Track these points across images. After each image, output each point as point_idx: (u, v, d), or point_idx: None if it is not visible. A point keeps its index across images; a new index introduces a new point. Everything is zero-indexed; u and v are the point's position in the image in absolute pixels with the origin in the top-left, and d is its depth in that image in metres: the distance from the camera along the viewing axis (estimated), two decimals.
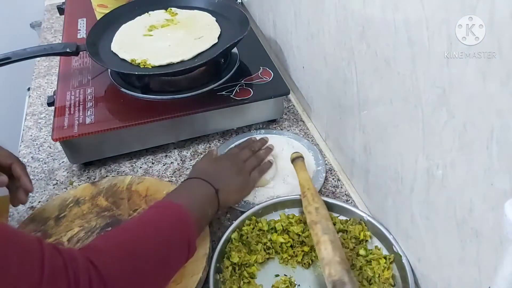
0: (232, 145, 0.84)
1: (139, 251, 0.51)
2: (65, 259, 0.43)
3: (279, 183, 0.76)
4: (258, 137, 0.85)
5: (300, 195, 0.69)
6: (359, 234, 0.66)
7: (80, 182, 0.80)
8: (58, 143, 0.82)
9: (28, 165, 0.83)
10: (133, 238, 0.52)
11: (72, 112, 0.80)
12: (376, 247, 0.65)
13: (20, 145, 0.88)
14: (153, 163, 0.83)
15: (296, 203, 0.71)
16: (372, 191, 0.69)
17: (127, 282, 0.48)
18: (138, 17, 0.96)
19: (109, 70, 0.88)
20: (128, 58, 0.83)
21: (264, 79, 0.87)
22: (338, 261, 0.56)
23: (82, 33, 1.06)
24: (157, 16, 0.96)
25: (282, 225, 0.67)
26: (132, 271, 0.49)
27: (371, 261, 0.63)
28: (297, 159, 0.74)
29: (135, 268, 0.49)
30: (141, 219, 0.56)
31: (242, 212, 0.70)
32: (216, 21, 0.93)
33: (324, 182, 0.77)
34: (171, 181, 0.79)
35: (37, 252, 0.41)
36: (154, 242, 0.53)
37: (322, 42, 0.75)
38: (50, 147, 0.87)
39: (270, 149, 0.79)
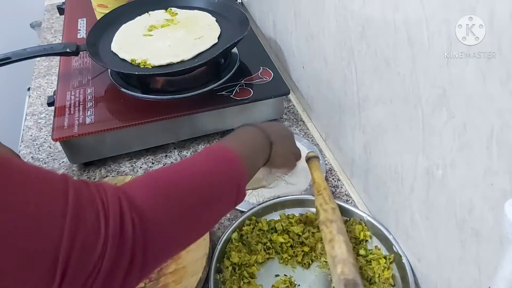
0: None
1: (182, 188, 0.46)
2: (92, 190, 0.39)
3: (279, 183, 0.76)
4: None
5: (301, 195, 0.69)
6: (359, 234, 0.66)
7: None
8: (58, 143, 0.82)
9: None
10: (176, 175, 0.48)
11: (72, 112, 0.80)
12: (376, 247, 0.65)
13: (20, 145, 0.88)
14: (153, 163, 0.83)
15: (296, 203, 0.71)
16: (372, 191, 0.69)
17: (167, 216, 0.44)
18: (138, 17, 0.96)
19: (109, 70, 0.88)
20: (128, 58, 0.83)
21: (264, 79, 0.87)
22: (352, 263, 0.56)
23: (82, 33, 1.06)
24: (157, 16, 0.96)
25: (282, 225, 0.67)
26: (173, 206, 0.44)
27: (371, 261, 0.63)
28: (312, 158, 0.73)
29: (176, 204, 0.45)
30: (190, 159, 0.53)
31: (242, 212, 0.70)
32: (216, 21, 0.93)
33: None
34: None
35: (60, 183, 0.37)
36: (200, 180, 0.49)
37: (322, 42, 0.75)
38: (50, 147, 0.87)
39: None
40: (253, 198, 0.73)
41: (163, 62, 0.81)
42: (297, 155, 0.70)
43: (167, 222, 0.44)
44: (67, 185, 0.37)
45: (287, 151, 0.67)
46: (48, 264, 0.33)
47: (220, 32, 0.89)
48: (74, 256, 0.34)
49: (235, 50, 0.92)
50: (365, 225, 0.67)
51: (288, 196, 0.72)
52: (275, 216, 0.70)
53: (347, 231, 0.66)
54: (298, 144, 0.83)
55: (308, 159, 0.73)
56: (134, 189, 0.43)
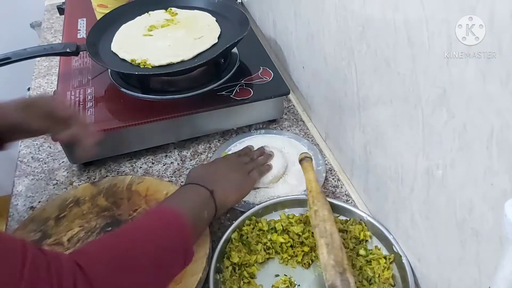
0: (231, 145, 0.84)
1: (129, 255, 0.49)
2: (49, 260, 0.41)
3: (279, 183, 0.76)
4: (258, 136, 0.86)
5: (301, 195, 0.69)
6: (359, 234, 0.66)
7: (80, 182, 0.80)
8: (58, 143, 0.81)
9: (28, 165, 0.83)
10: (123, 242, 0.50)
11: None
12: (376, 247, 0.65)
13: (20, 145, 0.88)
14: (153, 163, 0.83)
15: (296, 203, 0.71)
16: (372, 191, 0.69)
17: (115, 285, 0.46)
18: (138, 17, 0.96)
19: (109, 70, 0.88)
20: (128, 58, 0.83)
21: (264, 79, 0.87)
22: (332, 265, 0.56)
23: (82, 33, 1.06)
24: (157, 16, 0.96)
25: (282, 225, 0.67)
26: (120, 274, 0.47)
27: (371, 261, 0.63)
28: (304, 160, 0.73)
29: (124, 272, 0.47)
30: (133, 224, 0.55)
31: (242, 212, 0.70)
32: (216, 21, 0.93)
33: (324, 182, 0.77)
34: (171, 181, 0.79)
35: (19, 251, 0.39)
36: (145, 246, 0.51)
37: (322, 42, 0.75)
38: (50, 147, 0.87)
39: (269, 155, 0.78)
40: (253, 198, 0.73)
41: (163, 62, 0.81)
42: (243, 177, 0.70)
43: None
44: (24, 253, 0.39)
45: (231, 186, 0.67)
46: None
47: (220, 32, 0.90)
48: None
49: (235, 50, 0.92)
50: (365, 225, 0.67)
51: (288, 196, 0.72)
52: (275, 216, 0.70)
53: (346, 231, 0.67)
54: (298, 144, 0.83)
55: (300, 161, 0.73)
56: (87, 259, 0.45)
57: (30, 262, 0.39)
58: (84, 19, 1.12)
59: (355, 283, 0.55)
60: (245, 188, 0.70)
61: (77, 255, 0.46)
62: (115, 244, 0.50)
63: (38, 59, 1.10)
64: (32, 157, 0.85)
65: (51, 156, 0.85)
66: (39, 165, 0.83)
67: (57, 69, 0.93)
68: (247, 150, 0.79)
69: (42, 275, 0.40)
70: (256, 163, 0.74)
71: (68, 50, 0.86)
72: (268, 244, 0.66)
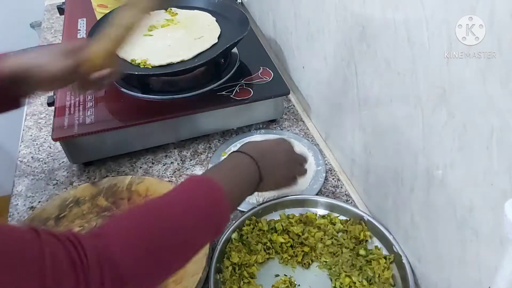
0: (231, 145, 0.84)
1: (162, 235, 0.45)
2: (69, 251, 0.38)
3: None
4: (258, 136, 0.85)
5: (301, 195, 0.69)
6: (359, 234, 0.66)
7: (80, 182, 0.80)
8: (58, 143, 0.82)
9: (28, 165, 0.83)
10: (157, 219, 0.46)
11: (72, 112, 0.80)
12: (376, 247, 0.65)
13: (20, 145, 0.88)
14: (153, 163, 0.83)
15: (296, 203, 0.71)
16: (372, 191, 0.69)
17: (146, 270, 0.44)
18: None
19: None
20: (128, 58, 0.83)
21: (264, 79, 0.87)
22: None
23: (82, 33, 1.06)
24: (157, 16, 0.96)
25: (282, 225, 0.67)
26: (152, 258, 0.44)
27: (371, 261, 0.63)
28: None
29: (156, 254, 0.44)
30: (171, 195, 0.51)
31: (242, 212, 0.70)
32: (216, 21, 0.93)
33: (324, 182, 0.77)
34: (171, 181, 0.79)
35: (34, 243, 0.36)
36: (181, 222, 0.47)
37: (322, 42, 0.75)
38: (50, 147, 0.87)
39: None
40: (253, 198, 0.73)
41: (163, 62, 0.81)
42: (294, 176, 0.66)
43: (145, 276, 0.44)
44: (42, 254, 0.36)
45: (277, 180, 0.63)
46: None
47: (220, 32, 0.89)
48: None
49: (235, 50, 0.92)
50: (365, 225, 0.67)
51: (288, 196, 0.72)
52: (275, 216, 0.70)
53: (346, 231, 0.67)
54: (298, 144, 0.83)
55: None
56: (115, 242, 0.42)
57: (50, 260, 0.36)
58: (84, 19, 1.12)
59: None
60: (283, 187, 0.66)
61: (101, 240, 0.41)
62: (144, 222, 0.46)
63: None
64: (32, 157, 0.85)
65: (51, 156, 0.85)
66: (39, 165, 0.83)
67: None
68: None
69: (65, 271, 0.36)
70: (303, 172, 0.69)
71: None
72: (268, 244, 0.66)
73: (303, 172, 0.69)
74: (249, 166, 0.58)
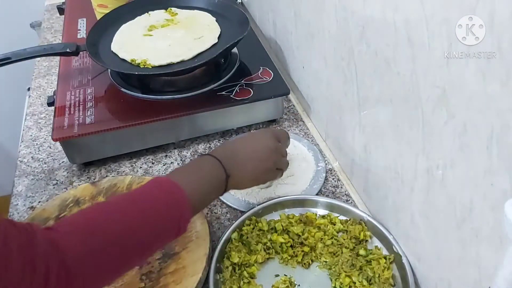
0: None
1: (118, 234, 0.46)
2: (20, 232, 0.39)
3: (279, 183, 0.76)
4: None
5: (301, 195, 0.68)
6: (359, 234, 0.66)
7: (80, 182, 0.80)
8: (58, 143, 0.82)
9: (28, 165, 0.83)
10: (115, 221, 0.47)
11: (72, 112, 0.80)
12: (376, 247, 0.65)
13: (20, 145, 0.88)
14: (153, 163, 0.83)
15: (296, 203, 0.71)
16: (372, 191, 0.69)
17: (99, 269, 0.44)
18: (138, 17, 0.96)
19: (109, 70, 0.88)
20: (128, 58, 0.83)
21: (264, 79, 0.87)
22: None
23: (82, 33, 1.06)
24: (157, 16, 0.96)
25: (282, 225, 0.67)
26: (106, 258, 0.45)
27: (371, 261, 0.63)
28: None
29: (111, 254, 0.45)
30: (131, 196, 0.51)
31: (242, 212, 0.70)
32: (216, 21, 0.93)
33: (324, 182, 0.77)
34: None
35: None
36: (139, 223, 0.47)
37: (322, 42, 0.75)
38: (50, 147, 0.87)
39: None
40: (253, 198, 0.73)
41: (163, 62, 0.81)
42: (272, 167, 0.65)
43: (93, 270, 0.44)
44: None
45: (253, 175, 0.62)
46: None
47: (220, 32, 0.90)
48: None
49: (235, 50, 0.92)
50: (365, 225, 0.67)
51: (288, 196, 0.72)
52: (275, 216, 0.70)
53: (346, 231, 0.67)
54: (298, 144, 0.83)
55: None
56: (66, 238, 0.42)
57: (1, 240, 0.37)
58: (84, 19, 1.12)
59: None
60: (263, 180, 0.66)
61: (52, 232, 0.43)
62: (96, 218, 0.46)
63: (38, 59, 1.10)
64: (32, 157, 0.85)
65: (51, 156, 0.85)
66: (39, 165, 0.83)
67: (57, 69, 0.93)
68: (287, 140, 0.70)
69: (12, 248, 0.37)
70: (286, 164, 0.68)
71: (68, 50, 0.86)
72: (268, 244, 0.66)
73: (285, 164, 0.68)
74: (212, 166, 0.58)
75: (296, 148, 0.82)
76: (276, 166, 0.66)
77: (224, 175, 0.58)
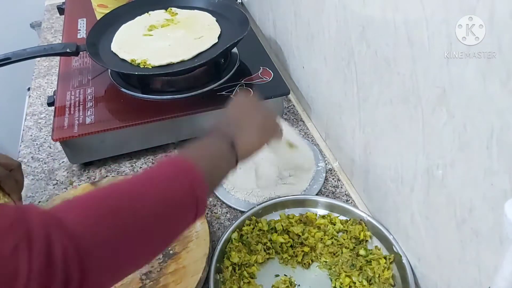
0: None
1: (129, 207, 0.40)
2: (10, 217, 0.33)
3: (279, 183, 0.76)
4: None
5: (301, 195, 0.69)
6: (359, 234, 0.66)
7: (80, 182, 0.80)
8: (58, 143, 0.82)
9: (28, 165, 0.83)
10: (122, 193, 0.42)
11: (72, 112, 0.80)
12: (376, 247, 0.65)
13: (20, 145, 0.88)
14: (153, 163, 0.83)
15: (296, 203, 0.71)
16: (372, 191, 0.69)
17: (111, 241, 0.38)
18: (138, 17, 0.96)
19: (109, 70, 0.88)
20: (128, 58, 0.83)
21: (264, 79, 0.87)
22: None
23: (82, 33, 1.06)
24: (157, 16, 0.96)
25: (282, 225, 0.67)
26: (118, 228, 0.39)
27: (371, 261, 0.63)
28: None
29: (122, 226, 0.39)
30: (135, 175, 0.46)
31: (242, 212, 0.70)
32: (216, 21, 0.93)
33: (324, 182, 0.77)
34: None
35: None
36: (153, 197, 0.43)
37: (322, 42, 0.75)
38: (50, 147, 0.87)
39: None
40: (253, 198, 0.73)
41: (163, 62, 0.81)
42: (269, 124, 0.61)
43: (110, 250, 0.38)
44: None
45: (254, 135, 0.58)
46: None
47: (220, 32, 0.89)
48: None
49: (235, 50, 0.92)
50: (365, 225, 0.67)
51: (288, 196, 0.72)
52: (275, 216, 0.70)
53: (346, 231, 0.67)
54: (297, 144, 0.83)
55: None
56: (68, 211, 0.37)
57: None
58: (84, 19, 1.12)
59: None
60: (269, 134, 0.61)
61: (50, 213, 0.36)
62: (108, 196, 0.41)
63: (38, 59, 1.10)
64: (32, 157, 0.85)
65: (51, 156, 0.85)
66: (39, 165, 0.83)
67: (57, 69, 0.93)
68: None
69: (4, 223, 0.32)
70: (273, 114, 0.64)
71: (68, 50, 0.86)
72: (268, 244, 0.66)
73: (273, 113, 0.64)
74: (214, 138, 0.55)
75: (296, 148, 0.82)
76: (272, 116, 0.63)
77: (229, 144, 0.54)
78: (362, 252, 0.64)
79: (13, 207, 0.35)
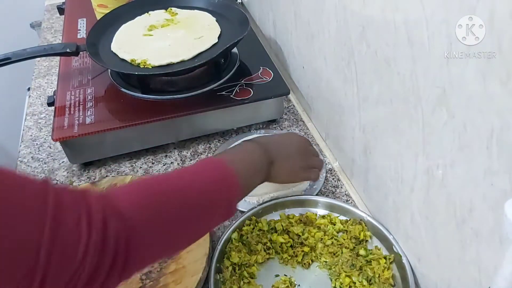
0: (231, 145, 0.84)
1: (171, 199, 0.46)
2: (75, 196, 0.38)
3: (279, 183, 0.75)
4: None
5: (301, 195, 0.69)
6: (359, 234, 0.66)
7: (80, 182, 0.80)
8: (58, 143, 0.82)
9: (28, 165, 0.83)
10: (166, 185, 0.47)
11: (72, 112, 0.80)
12: (376, 247, 0.65)
13: (20, 145, 0.88)
14: (153, 163, 0.83)
15: (296, 203, 0.71)
16: (372, 191, 0.69)
17: (153, 227, 0.43)
18: (138, 17, 0.96)
19: (109, 70, 0.88)
20: (128, 58, 0.83)
21: (264, 79, 0.87)
22: None
23: (82, 33, 1.06)
24: (157, 16, 0.96)
25: (282, 225, 0.67)
26: (159, 216, 0.44)
27: (371, 261, 0.63)
28: None
29: (163, 215, 0.45)
30: (183, 170, 0.52)
31: (242, 212, 0.70)
32: (216, 21, 0.93)
33: (324, 182, 0.77)
34: None
35: (40, 186, 0.37)
36: (192, 193, 0.48)
37: (322, 42, 0.75)
38: (50, 147, 0.87)
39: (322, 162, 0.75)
40: (253, 198, 0.73)
41: (163, 62, 0.81)
42: (309, 167, 0.67)
43: (152, 233, 0.44)
44: (46, 188, 0.37)
45: (291, 169, 0.64)
46: (27, 267, 0.34)
47: (220, 32, 0.89)
48: (53, 260, 0.34)
49: (235, 50, 0.92)
50: (365, 225, 0.67)
51: (288, 196, 0.72)
52: (275, 216, 0.70)
53: (346, 231, 0.67)
54: None
55: None
56: (121, 196, 0.43)
57: (53, 199, 0.36)
58: (84, 19, 1.12)
59: None
60: (300, 176, 0.67)
61: (107, 197, 0.42)
62: (157, 186, 0.46)
63: (38, 59, 1.10)
64: (32, 157, 0.85)
65: (51, 156, 0.85)
66: (39, 165, 0.83)
67: (57, 69, 0.93)
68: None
69: (67, 211, 0.37)
70: (319, 163, 0.71)
71: (68, 50, 0.86)
72: (268, 244, 0.66)
73: (319, 162, 0.70)
74: (259, 152, 0.59)
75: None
76: (310, 163, 0.68)
77: (268, 160, 0.59)
78: (362, 252, 0.64)
79: (76, 188, 0.40)
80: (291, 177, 0.66)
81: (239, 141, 0.64)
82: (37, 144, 0.88)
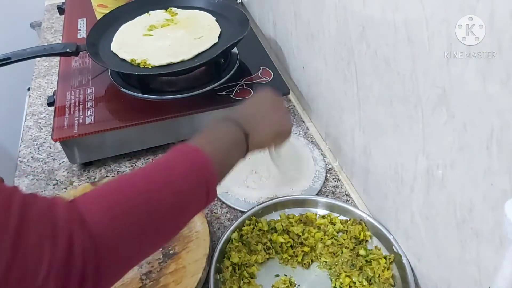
0: None
1: (143, 200, 0.43)
2: (42, 207, 0.36)
3: (279, 184, 0.75)
4: None
5: (301, 195, 0.69)
6: (359, 234, 0.66)
7: (80, 182, 0.80)
8: (58, 143, 0.81)
9: (28, 165, 0.83)
10: (136, 185, 0.44)
11: (72, 112, 0.80)
12: (376, 247, 0.65)
13: (20, 145, 0.88)
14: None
15: (296, 203, 0.71)
16: (372, 191, 0.69)
17: (124, 235, 0.41)
18: (138, 17, 0.96)
19: (109, 70, 0.88)
20: (128, 58, 0.83)
21: (264, 79, 0.87)
22: None
23: (82, 33, 1.06)
24: (157, 16, 0.96)
25: (282, 225, 0.67)
26: (132, 222, 0.41)
27: (371, 261, 0.63)
28: None
29: (136, 219, 0.42)
30: (152, 164, 0.48)
31: (242, 212, 0.70)
32: (216, 21, 0.93)
33: (324, 182, 0.77)
34: None
35: (3, 200, 0.34)
36: (165, 189, 0.45)
37: (322, 42, 0.75)
38: (50, 147, 0.87)
39: None
40: (253, 198, 0.73)
41: (163, 62, 0.81)
42: (284, 119, 0.64)
43: (124, 241, 0.41)
44: (12, 199, 0.34)
45: (267, 134, 0.60)
46: None
47: (220, 32, 0.89)
48: (11, 278, 0.32)
49: (235, 50, 0.92)
50: (365, 225, 0.67)
51: (288, 196, 0.72)
52: (275, 216, 0.70)
53: (346, 231, 0.67)
54: (297, 143, 0.83)
55: None
56: (88, 205, 0.40)
57: (17, 212, 0.34)
58: (84, 19, 1.12)
59: None
60: (282, 132, 0.63)
61: (72, 203, 0.39)
62: (127, 188, 0.43)
63: (38, 59, 1.10)
64: (32, 157, 0.85)
65: (51, 156, 0.85)
66: (39, 165, 0.83)
67: (57, 69, 0.93)
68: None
69: (31, 225, 0.34)
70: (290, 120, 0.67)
71: (68, 50, 0.86)
72: (268, 244, 0.66)
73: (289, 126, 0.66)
74: (229, 127, 0.56)
75: (296, 148, 0.82)
76: (288, 119, 0.65)
77: (243, 134, 0.56)
78: (362, 252, 0.64)
79: (43, 199, 0.37)
80: (274, 136, 0.62)
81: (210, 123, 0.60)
82: (37, 144, 0.88)
